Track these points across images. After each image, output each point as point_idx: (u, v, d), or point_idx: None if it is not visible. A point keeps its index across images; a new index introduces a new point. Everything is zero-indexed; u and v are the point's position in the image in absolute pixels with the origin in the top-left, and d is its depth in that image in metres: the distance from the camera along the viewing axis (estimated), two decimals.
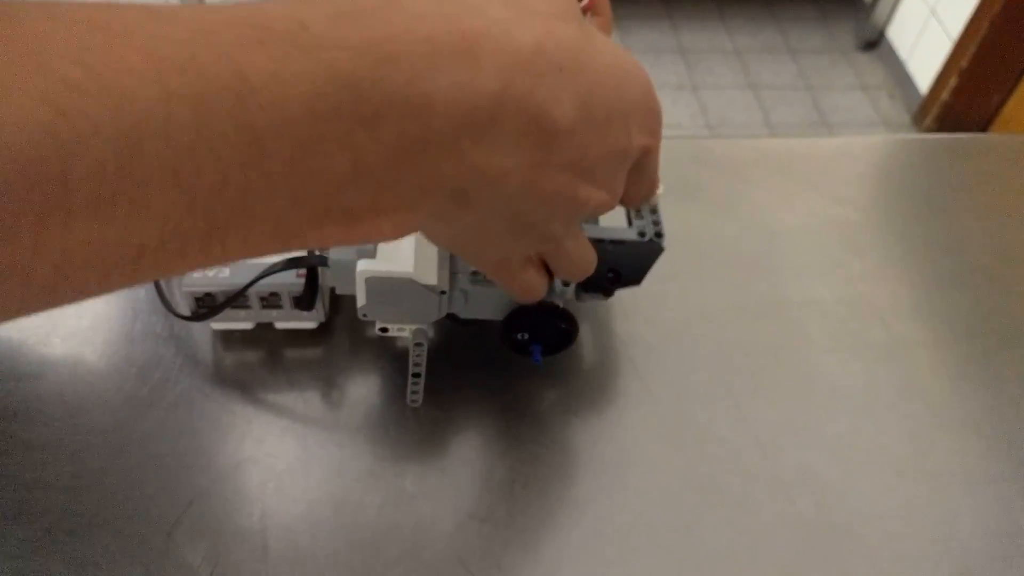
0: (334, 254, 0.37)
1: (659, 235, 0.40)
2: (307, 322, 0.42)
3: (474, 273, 0.37)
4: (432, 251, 0.36)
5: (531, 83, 0.23)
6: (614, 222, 0.41)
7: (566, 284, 0.38)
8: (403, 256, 0.35)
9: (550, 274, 0.34)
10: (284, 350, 0.43)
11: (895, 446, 0.42)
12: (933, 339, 0.47)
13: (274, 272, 0.38)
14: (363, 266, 0.35)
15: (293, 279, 0.39)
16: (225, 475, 0.39)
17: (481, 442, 0.41)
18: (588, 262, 0.32)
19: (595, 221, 0.42)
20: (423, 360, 0.38)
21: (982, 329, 0.47)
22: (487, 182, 0.24)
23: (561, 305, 0.39)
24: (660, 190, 0.41)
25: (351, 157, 0.21)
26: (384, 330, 0.38)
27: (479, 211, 0.25)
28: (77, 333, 0.43)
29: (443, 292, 0.36)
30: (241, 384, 0.42)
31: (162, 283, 0.41)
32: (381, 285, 0.35)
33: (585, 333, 0.46)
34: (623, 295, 0.42)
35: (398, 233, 0.24)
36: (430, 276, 0.35)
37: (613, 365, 0.45)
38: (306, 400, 0.42)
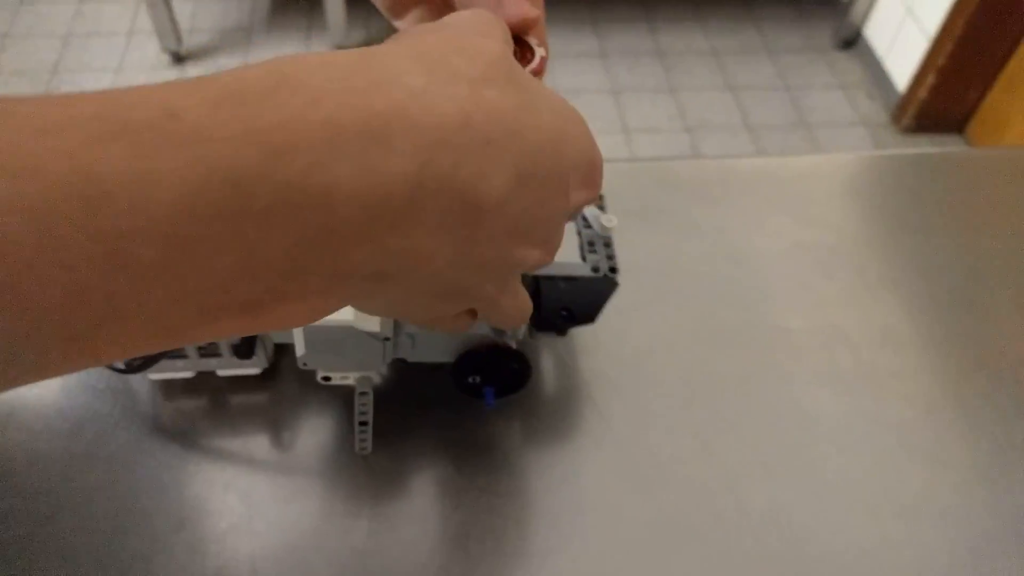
0: None
1: (613, 270, 0.38)
2: (250, 368, 0.40)
3: None
4: None
5: (454, 159, 0.21)
6: (567, 257, 0.40)
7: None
8: None
9: None
10: (228, 397, 0.41)
11: (867, 480, 0.41)
12: (905, 367, 0.45)
13: None
14: None
15: None
16: (164, 538, 0.36)
17: (433, 493, 0.39)
18: (523, 311, 0.30)
19: None
20: (369, 408, 0.37)
21: (956, 355, 0.46)
22: (409, 265, 0.22)
23: (514, 346, 0.37)
24: (613, 223, 0.39)
25: (240, 254, 0.18)
26: (327, 379, 0.36)
27: (404, 288, 0.23)
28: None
29: (387, 339, 0.34)
30: (182, 436, 0.40)
31: None
32: (320, 334, 0.33)
33: (544, 369, 0.44)
34: (585, 327, 0.40)
35: (308, 320, 0.22)
36: (372, 323, 0.33)
37: (573, 402, 0.43)
38: (251, 451, 0.40)
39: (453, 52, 0.23)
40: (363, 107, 0.20)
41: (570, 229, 0.40)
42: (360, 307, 0.26)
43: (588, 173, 0.27)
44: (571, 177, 0.25)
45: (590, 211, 0.40)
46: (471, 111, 0.21)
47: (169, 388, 0.41)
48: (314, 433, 0.40)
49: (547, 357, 0.44)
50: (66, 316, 0.16)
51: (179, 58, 1.86)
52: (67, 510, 0.37)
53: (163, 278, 0.17)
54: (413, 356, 0.37)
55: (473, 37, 0.24)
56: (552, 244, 0.26)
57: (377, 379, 0.37)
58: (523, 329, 0.36)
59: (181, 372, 0.40)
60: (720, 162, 0.56)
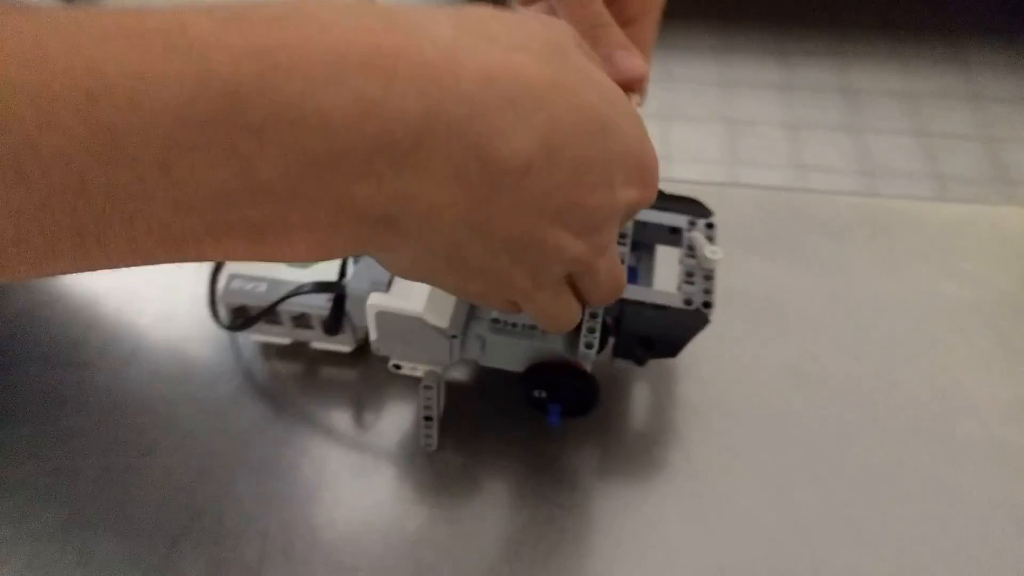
0: (352, 284, 0.37)
1: (708, 305, 0.36)
2: (340, 346, 0.42)
3: (494, 320, 0.35)
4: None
5: (469, 111, 0.21)
6: (663, 286, 0.38)
7: (589, 347, 0.35)
8: (416, 294, 0.34)
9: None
10: (319, 368, 0.43)
11: (972, 565, 0.36)
12: None
13: (301, 293, 0.38)
14: (374, 300, 0.34)
15: (323, 303, 0.39)
16: (239, 488, 0.39)
17: (496, 495, 0.39)
18: (565, 318, 0.29)
19: (648, 284, 0.39)
20: (435, 404, 0.37)
21: None
22: (418, 214, 0.22)
23: (587, 368, 0.36)
24: (718, 255, 0.37)
25: (238, 168, 0.19)
26: (397, 367, 0.37)
27: (418, 244, 0.23)
28: (133, 328, 0.45)
29: (454, 336, 0.35)
30: (272, 397, 0.42)
31: (215, 293, 0.42)
32: (391, 321, 0.34)
33: (630, 391, 0.43)
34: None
35: (317, 255, 0.22)
36: (441, 318, 0.34)
37: (655, 429, 0.41)
38: (331, 423, 0.41)
39: (496, 21, 0.22)
40: (371, 43, 0.20)
41: (674, 258, 0.39)
42: (390, 266, 0.26)
43: (638, 171, 0.26)
44: (616, 169, 0.25)
45: (697, 239, 0.39)
46: (497, 70, 0.21)
47: (268, 351, 0.43)
48: (393, 418, 0.41)
49: (641, 379, 0.43)
50: (69, 203, 0.18)
51: None
52: (164, 447, 0.40)
53: (163, 183, 0.18)
54: (484, 360, 0.37)
55: (529, 19, 0.24)
56: (598, 241, 0.26)
57: (444, 375, 0.37)
58: (593, 352, 0.35)
59: (277, 338, 0.42)
60: (860, 200, 0.52)
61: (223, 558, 0.37)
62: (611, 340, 0.37)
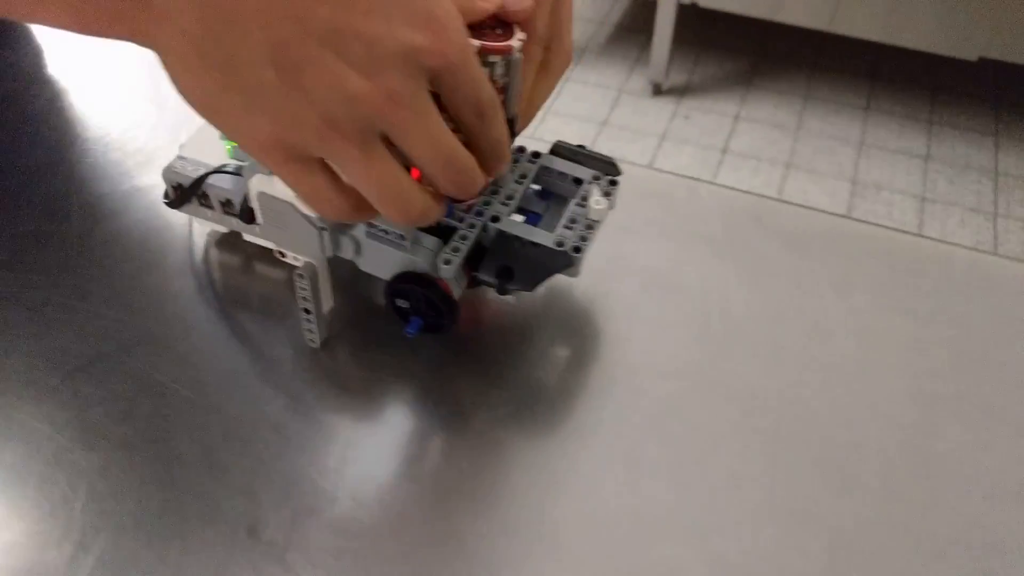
0: (250, 167, 0.38)
1: (577, 250, 0.36)
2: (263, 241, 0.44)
3: (370, 224, 0.37)
4: None
5: None
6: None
7: (447, 263, 0.36)
8: None
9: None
10: (254, 263, 0.45)
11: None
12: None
13: (215, 172, 0.40)
14: (255, 181, 0.36)
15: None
16: (142, 345, 0.42)
17: (370, 409, 0.40)
18: (397, 191, 0.29)
19: (534, 223, 0.39)
20: (310, 296, 0.38)
21: None
22: None
23: (455, 290, 0.37)
24: (601, 205, 0.37)
25: None
26: (282, 255, 0.39)
27: (175, 30, 0.25)
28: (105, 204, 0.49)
29: (323, 228, 0.36)
30: (203, 282, 0.45)
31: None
32: (270, 205, 0.36)
33: (551, 351, 0.42)
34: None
35: (76, 23, 0.25)
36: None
37: (557, 386, 0.41)
38: (241, 312, 0.43)
39: None
40: None
41: (565, 210, 0.39)
42: (171, 76, 0.27)
43: (424, 17, 0.26)
44: (393, 2, 0.25)
45: (590, 190, 0.39)
46: None
47: (219, 241, 0.46)
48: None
49: (558, 345, 0.43)
50: None
51: None
52: (97, 296, 0.44)
53: None
54: (362, 264, 0.38)
55: None
56: (386, 83, 0.26)
57: (324, 269, 0.38)
58: (450, 269, 0.36)
59: (215, 223, 0.44)
60: (842, 222, 0.49)
61: (114, 396, 0.39)
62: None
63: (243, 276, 0.45)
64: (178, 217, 0.47)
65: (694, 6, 1.81)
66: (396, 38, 0.26)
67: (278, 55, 0.25)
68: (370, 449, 0.38)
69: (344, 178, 0.30)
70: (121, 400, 0.39)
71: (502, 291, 0.37)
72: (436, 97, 0.29)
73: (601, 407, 0.40)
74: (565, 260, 0.37)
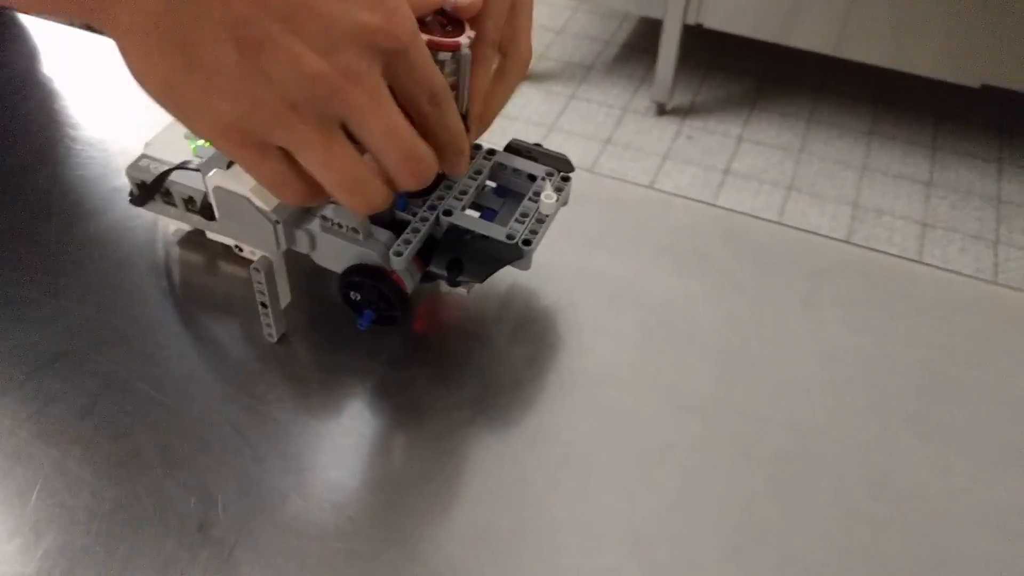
0: (207, 164, 0.39)
1: (527, 243, 0.37)
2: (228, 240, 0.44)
3: (324, 218, 0.37)
4: None
5: None
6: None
7: (397, 254, 0.37)
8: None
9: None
10: (218, 261, 0.46)
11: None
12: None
13: (176, 169, 0.41)
14: (211, 175, 0.36)
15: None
16: (106, 335, 0.42)
17: (327, 406, 0.40)
18: (352, 176, 0.30)
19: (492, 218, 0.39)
20: (265, 291, 0.39)
21: None
22: None
23: (408, 284, 0.37)
24: (551, 199, 0.38)
25: None
26: (239, 248, 0.39)
27: (132, 8, 0.25)
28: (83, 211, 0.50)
29: (278, 222, 0.36)
30: (169, 278, 0.45)
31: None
32: (226, 199, 0.36)
33: (510, 354, 0.42)
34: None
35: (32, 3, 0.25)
36: (267, 201, 0.36)
37: (518, 393, 0.41)
38: (202, 308, 0.44)
39: None
40: None
41: (519, 206, 0.40)
42: (126, 57, 0.27)
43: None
44: None
45: (542, 186, 0.40)
46: None
47: (185, 240, 0.47)
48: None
49: (516, 346, 0.43)
50: None
51: None
52: (70, 292, 0.44)
53: None
54: (315, 257, 0.39)
55: None
56: (342, 63, 0.27)
57: (279, 263, 0.39)
58: (401, 260, 0.37)
59: (179, 222, 0.45)
60: (827, 242, 0.49)
61: (77, 392, 0.40)
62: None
63: (208, 275, 0.45)
64: (153, 218, 0.47)
65: (699, 27, 1.82)
66: (351, 17, 0.27)
67: (239, 33, 0.26)
68: (325, 450, 0.38)
69: (302, 164, 0.30)
70: (84, 396, 0.40)
71: (453, 283, 0.38)
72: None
73: (557, 413, 0.40)
74: (515, 252, 0.37)
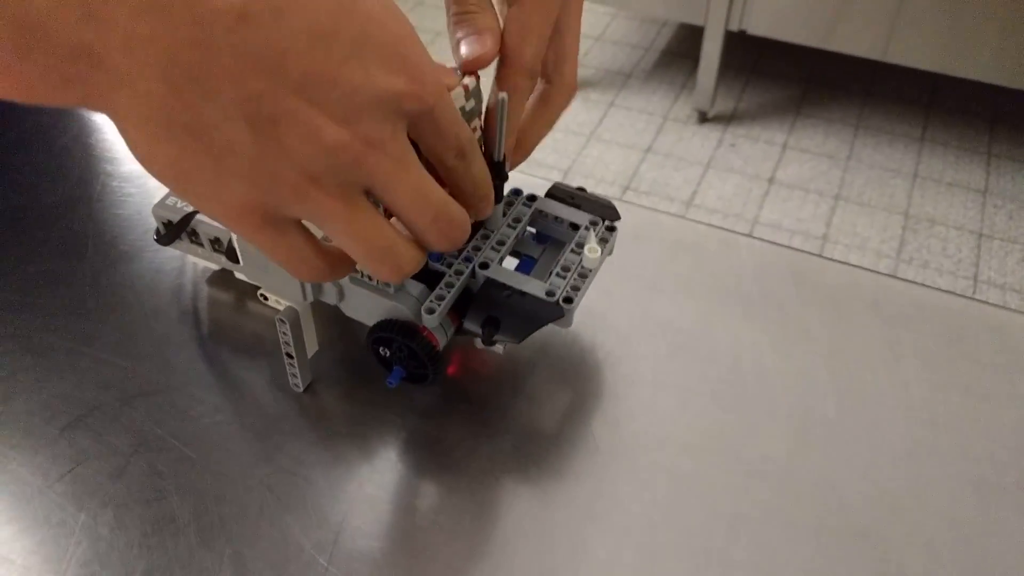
0: None
1: (568, 300, 0.35)
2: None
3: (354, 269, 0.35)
4: None
5: None
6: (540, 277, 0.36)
7: (430, 312, 0.34)
8: None
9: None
10: (247, 300, 0.44)
11: None
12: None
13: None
14: None
15: None
16: (135, 381, 0.40)
17: (352, 458, 0.38)
18: (383, 245, 0.28)
19: (541, 278, 0.37)
20: (291, 341, 0.37)
21: None
22: (118, 45, 0.21)
23: (440, 339, 0.36)
24: (595, 254, 0.36)
25: None
26: (265, 297, 0.38)
27: (135, 92, 0.23)
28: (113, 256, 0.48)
29: None
30: (198, 319, 0.43)
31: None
32: (250, 246, 0.35)
33: (550, 394, 0.40)
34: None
35: (22, 92, 0.22)
36: None
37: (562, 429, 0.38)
38: (226, 351, 0.42)
39: None
40: None
41: (559, 256, 0.37)
42: (129, 140, 0.25)
43: (399, 59, 0.25)
44: (369, 49, 0.24)
45: (586, 236, 0.37)
46: None
47: (212, 279, 0.45)
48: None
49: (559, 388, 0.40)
50: None
51: None
52: (105, 338, 0.43)
53: None
54: (344, 309, 0.37)
55: None
56: (366, 132, 0.25)
57: (305, 314, 0.37)
58: (434, 317, 0.35)
59: (207, 261, 0.43)
60: (892, 282, 0.46)
61: (110, 451, 0.38)
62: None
63: (238, 314, 0.44)
64: (183, 257, 0.45)
65: (742, 33, 1.77)
66: (375, 84, 0.25)
67: (251, 111, 0.23)
68: (360, 511, 0.36)
69: (326, 235, 0.28)
70: (117, 455, 0.38)
71: (488, 342, 0.35)
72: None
73: (613, 480, 0.37)
74: (555, 311, 0.35)
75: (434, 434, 0.39)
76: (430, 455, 0.38)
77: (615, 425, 0.39)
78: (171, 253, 0.46)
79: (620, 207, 0.40)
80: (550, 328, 0.36)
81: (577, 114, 1.89)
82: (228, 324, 0.43)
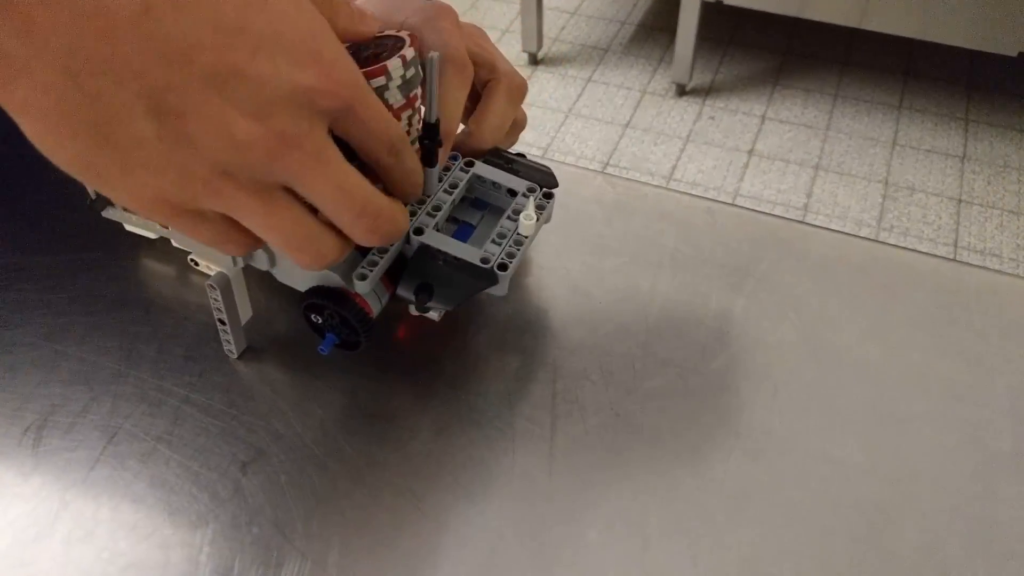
0: None
1: (503, 267, 0.35)
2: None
3: None
4: None
5: None
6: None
7: (361, 278, 0.34)
8: None
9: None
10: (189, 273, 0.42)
11: None
12: None
13: None
14: None
15: None
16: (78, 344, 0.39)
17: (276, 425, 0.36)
18: (304, 236, 0.28)
19: (479, 246, 0.36)
20: (223, 307, 0.36)
21: None
22: (16, 29, 0.20)
23: (374, 306, 0.35)
24: (530, 220, 0.36)
25: None
26: (195, 263, 0.37)
27: (37, 81, 0.21)
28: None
29: None
30: (139, 290, 0.42)
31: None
32: None
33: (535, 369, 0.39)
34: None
35: None
36: None
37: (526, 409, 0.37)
38: (165, 322, 0.40)
39: None
40: None
41: (498, 223, 0.37)
42: (30, 133, 0.23)
43: (310, 55, 0.25)
44: (277, 43, 0.24)
45: (523, 204, 0.37)
46: None
47: (149, 247, 0.44)
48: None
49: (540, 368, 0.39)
50: None
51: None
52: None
53: None
54: (276, 275, 0.37)
55: None
56: (278, 126, 0.24)
57: (236, 279, 0.36)
58: (365, 284, 0.34)
59: (146, 230, 0.42)
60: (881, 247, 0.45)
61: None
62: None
63: (181, 285, 0.42)
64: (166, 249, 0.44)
65: (719, 4, 1.76)
66: (285, 79, 0.24)
67: (157, 104, 0.23)
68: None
69: (245, 227, 0.28)
70: (89, 448, 0.37)
71: (421, 309, 0.35)
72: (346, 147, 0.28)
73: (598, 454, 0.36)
74: (490, 278, 0.34)
75: (381, 398, 0.38)
76: (373, 419, 0.37)
77: (604, 398, 0.38)
78: (149, 245, 0.45)
79: (601, 181, 0.39)
80: (530, 302, 0.35)
81: (555, 90, 1.87)
82: (170, 294, 0.42)
